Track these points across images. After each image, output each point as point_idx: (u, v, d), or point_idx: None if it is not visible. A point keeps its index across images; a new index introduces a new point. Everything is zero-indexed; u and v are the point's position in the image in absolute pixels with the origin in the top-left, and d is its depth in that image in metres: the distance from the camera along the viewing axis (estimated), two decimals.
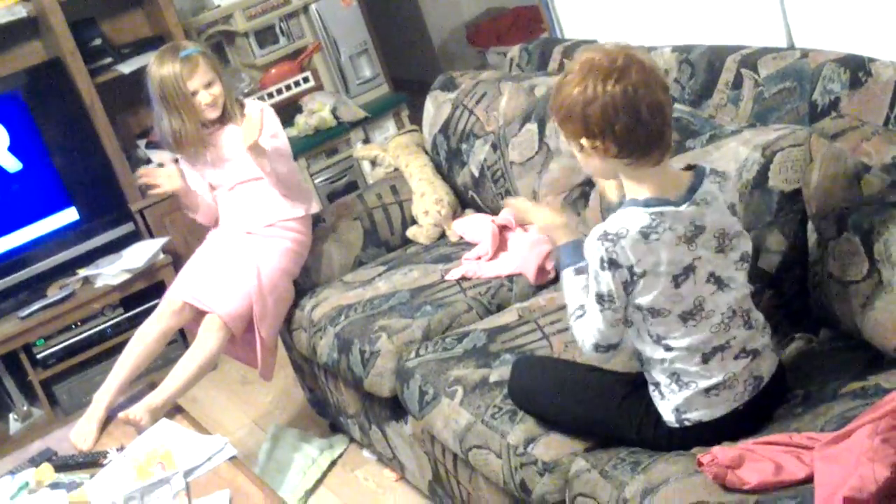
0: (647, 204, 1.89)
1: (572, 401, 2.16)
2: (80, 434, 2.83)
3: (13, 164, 3.94)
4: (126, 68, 4.10)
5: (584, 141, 1.88)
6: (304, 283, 3.25)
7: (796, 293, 2.28)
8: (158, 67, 3.09)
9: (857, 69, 2.31)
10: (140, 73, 4.06)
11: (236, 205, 3.23)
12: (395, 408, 2.78)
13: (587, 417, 2.13)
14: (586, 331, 1.98)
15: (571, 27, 3.48)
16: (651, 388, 2.04)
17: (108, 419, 2.89)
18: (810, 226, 2.20)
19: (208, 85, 3.09)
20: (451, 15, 5.99)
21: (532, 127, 2.96)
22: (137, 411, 2.81)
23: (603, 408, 2.10)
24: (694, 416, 1.99)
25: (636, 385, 2.08)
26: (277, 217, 3.18)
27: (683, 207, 1.89)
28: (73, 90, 3.99)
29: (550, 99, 1.97)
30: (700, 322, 1.93)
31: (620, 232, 1.86)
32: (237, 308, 3.06)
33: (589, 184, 2.74)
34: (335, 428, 3.41)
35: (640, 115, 1.82)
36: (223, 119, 3.17)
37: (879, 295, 2.00)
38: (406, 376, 2.60)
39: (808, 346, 2.23)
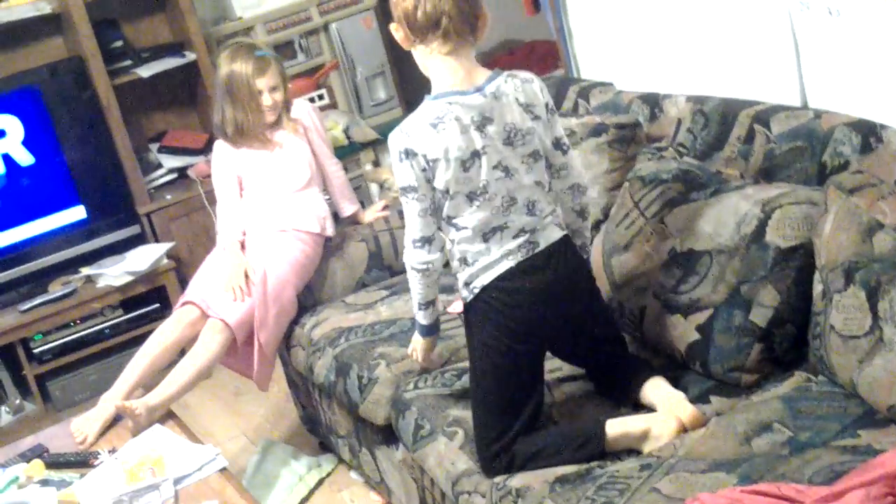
0: (437, 97, 2.18)
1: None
2: (80, 429, 2.85)
3: (26, 158, 3.97)
4: (145, 72, 4.14)
5: (393, 26, 2.26)
6: (306, 299, 3.27)
7: (787, 349, 2.30)
8: (230, 61, 3.20)
9: (868, 134, 2.34)
10: (158, 78, 4.15)
11: (260, 206, 3.30)
12: (388, 433, 2.78)
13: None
14: (406, 234, 2.26)
15: (588, 67, 3.52)
16: (459, 286, 2.29)
17: (114, 421, 2.90)
18: (816, 276, 2.22)
19: (273, 89, 3.21)
20: None
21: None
22: (136, 403, 2.84)
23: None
24: (478, 283, 2.23)
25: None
26: (291, 225, 3.25)
27: (470, 96, 2.16)
28: (90, 89, 4.03)
29: None
30: (483, 203, 2.18)
31: (413, 125, 2.17)
32: (243, 313, 3.09)
33: (599, 226, 2.78)
34: (325, 447, 3.42)
35: (430, 15, 2.16)
36: (275, 124, 3.29)
37: (879, 352, 2.01)
38: (402, 407, 2.60)
39: (805, 383, 2.24)
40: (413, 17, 2.19)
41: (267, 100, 3.21)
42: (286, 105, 3.32)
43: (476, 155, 2.17)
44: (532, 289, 2.22)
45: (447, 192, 2.18)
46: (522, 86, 2.23)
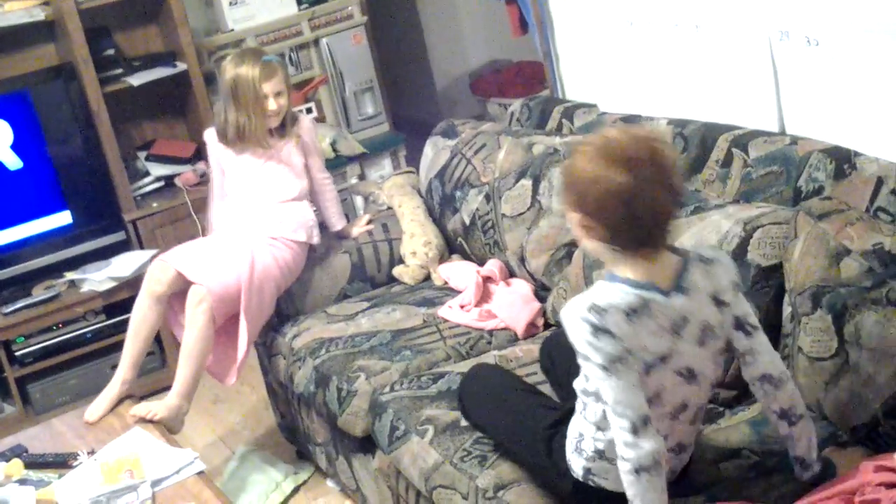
0: (635, 285, 1.84)
1: (504, 416, 2.25)
2: (91, 409, 2.99)
3: (14, 162, 3.99)
4: (135, 81, 4.17)
5: (578, 215, 1.85)
6: (288, 308, 3.31)
7: None
8: (236, 65, 3.24)
9: (842, 161, 2.40)
10: (148, 87, 4.19)
11: (251, 210, 3.34)
12: (365, 442, 2.82)
13: (513, 437, 2.22)
14: (616, 433, 1.83)
15: (573, 89, 3.58)
16: (573, 433, 2.00)
17: (125, 398, 3.05)
18: (786, 299, 2.27)
19: (278, 94, 3.25)
20: (457, 63, 6.10)
21: (526, 183, 3.04)
22: (153, 407, 2.94)
23: (528, 432, 2.15)
24: (601, 482, 1.97)
25: (564, 419, 2.05)
26: (281, 234, 3.29)
27: (672, 298, 1.86)
28: (81, 96, 4.05)
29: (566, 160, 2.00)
30: (653, 411, 1.86)
31: (607, 307, 1.81)
32: (223, 286, 3.10)
33: (575, 244, 2.82)
34: (302, 455, 3.45)
35: (634, 211, 1.79)
36: (280, 131, 3.32)
37: (844, 375, 2.07)
38: (379, 410, 2.66)
39: None
40: (622, 226, 1.82)
41: (272, 104, 3.24)
42: (291, 114, 3.36)
43: (663, 359, 1.86)
44: None
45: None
46: (711, 269, 1.91)
